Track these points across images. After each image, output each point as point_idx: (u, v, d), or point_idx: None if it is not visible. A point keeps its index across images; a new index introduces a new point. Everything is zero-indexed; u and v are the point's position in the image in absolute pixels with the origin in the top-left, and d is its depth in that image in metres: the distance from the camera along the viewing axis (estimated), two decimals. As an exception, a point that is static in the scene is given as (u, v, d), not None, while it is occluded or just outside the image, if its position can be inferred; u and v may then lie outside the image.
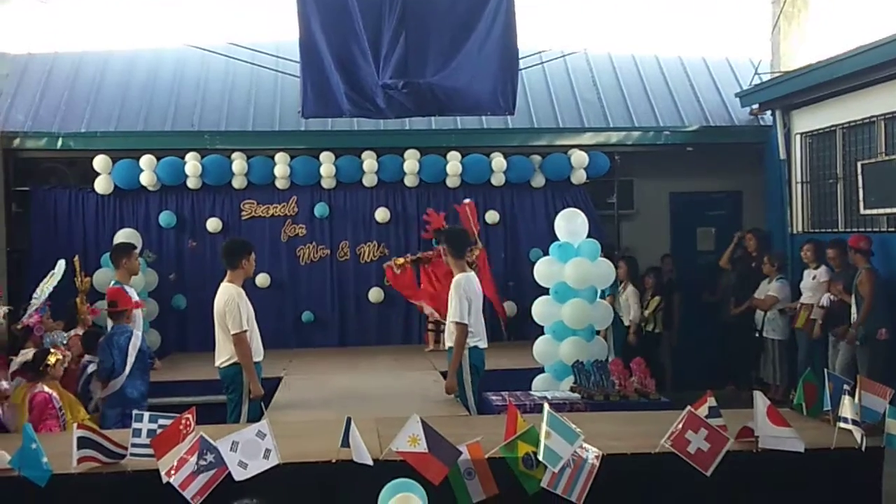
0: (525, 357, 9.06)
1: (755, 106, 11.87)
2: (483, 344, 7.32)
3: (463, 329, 7.12)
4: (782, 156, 11.22)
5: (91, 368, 7.48)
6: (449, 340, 7.35)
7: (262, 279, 11.26)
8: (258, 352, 7.16)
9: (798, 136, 11.04)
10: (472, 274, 7.46)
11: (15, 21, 12.54)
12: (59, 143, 11.32)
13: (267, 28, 12.47)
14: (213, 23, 13.32)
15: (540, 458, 4.49)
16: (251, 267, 7.31)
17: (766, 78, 11.45)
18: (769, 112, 11.67)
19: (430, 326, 11.03)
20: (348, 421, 4.57)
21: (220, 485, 4.36)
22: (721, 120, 12.42)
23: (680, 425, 4.72)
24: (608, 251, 10.05)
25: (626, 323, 10.69)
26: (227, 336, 6.96)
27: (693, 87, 12.98)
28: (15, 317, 8.25)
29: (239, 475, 4.36)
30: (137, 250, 8.86)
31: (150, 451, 4.48)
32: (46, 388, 6.50)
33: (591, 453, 4.64)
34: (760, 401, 4.87)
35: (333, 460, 4.63)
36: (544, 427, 4.55)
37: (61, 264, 8.59)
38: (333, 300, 11.81)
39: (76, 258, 9.15)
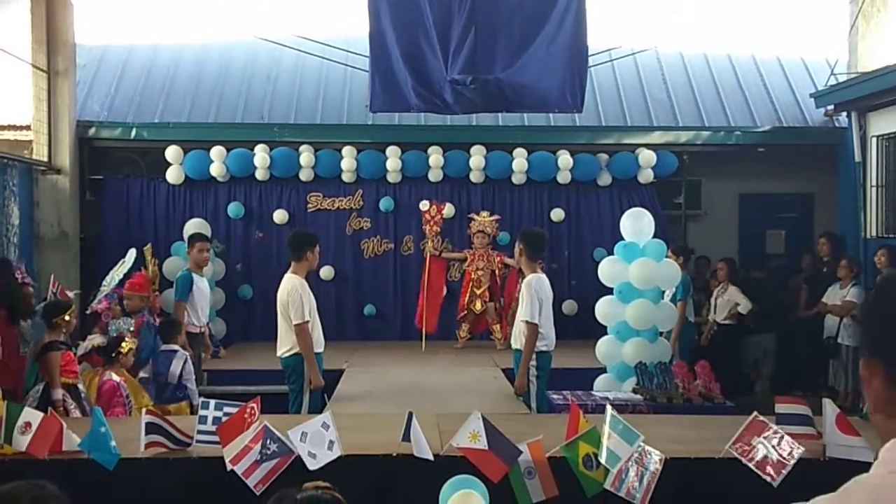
0: (587, 356, 8.99)
1: (830, 107, 11.61)
2: (549, 347, 7.25)
3: (534, 329, 7.07)
4: (857, 158, 10.94)
5: (180, 357, 7.47)
6: (516, 342, 7.30)
7: (327, 272, 11.36)
8: (319, 343, 7.22)
9: (874, 139, 10.76)
10: (544, 275, 7.40)
11: (93, 13, 12.84)
12: (133, 133, 11.56)
13: (337, 22, 12.60)
14: (284, 16, 13.50)
15: (601, 460, 4.44)
16: (315, 259, 7.37)
17: (842, 78, 11.19)
18: (844, 113, 11.40)
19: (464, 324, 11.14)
20: (410, 415, 4.57)
21: (282, 474, 4.41)
22: (794, 121, 12.19)
23: (746, 431, 4.63)
24: (684, 253, 9.96)
25: (722, 320, 10.58)
26: (289, 326, 7.04)
27: (766, 87, 12.75)
28: (85, 302, 8.44)
29: (311, 465, 4.39)
30: (211, 242, 9.06)
31: (215, 437, 4.54)
32: (115, 376, 6.65)
33: (655, 456, 4.57)
34: (830, 408, 4.75)
35: (394, 454, 4.64)
36: (606, 429, 4.50)
37: (132, 253, 8.77)
38: (396, 294, 11.85)
39: (147, 247, 9.32)
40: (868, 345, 1.50)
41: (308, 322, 7.00)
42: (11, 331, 7.25)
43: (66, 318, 6.65)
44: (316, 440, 4.46)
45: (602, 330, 8.92)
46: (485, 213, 11.26)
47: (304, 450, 4.41)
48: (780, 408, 4.87)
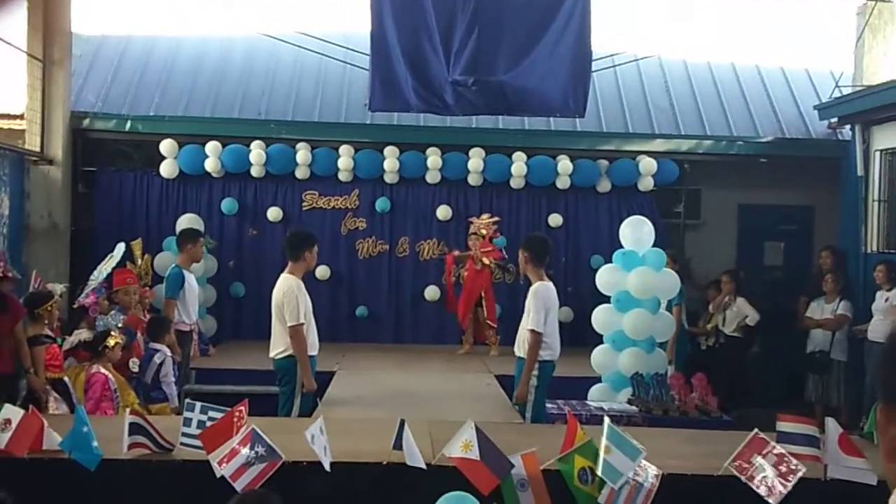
0: (582, 365, 8.86)
1: (834, 120, 11.51)
2: (553, 357, 7.07)
3: (538, 338, 6.92)
4: (860, 172, 10.83)
5: (159, 358, 7.42)
6: (519, 349, 7.13)
7: (322, 272, 11.19)
8: (314, 345, 7.08)
9: (878, 153, 10.65)
10: (550, 283, 7.25)
11: (91, 3, 12.69)
12: (128, 125, 11.40)
13: (338, 19, 12.49)
14: (285, 12, 13.37)
15: (599, 473, 4.32)
16: (313, 259, 7.22)
17: (846, 91, 11.08)
18: (848, 126, 11.30)
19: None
20: (402, 423, 4.45)
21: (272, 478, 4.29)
22: (797, 132, 12.10)
23: (746, 448, 4.51)
24: (679, 259, 9.90)
25: (731, 332, 10.56)
26: (283, 328, 6.89)
27: (770, 98, 12.66)
28: (74, 296, 8.30)
29: (327, 464, 4.35)
30: (203, 238, 8.92)
31: (199, 442, 4.42)
32: (103, 370, 6.52)
33: (651, 472, 4.45)
34: (833, 427, 4.64)
35: (385, 462, 4.53)
36: (604, 441, 4.38)
37: (121, 247, 8.65)
38: (390, 296, 11.72)
39: (136, 241, 9.18)
40: (886, 390, 1.39)
41: (303, 324, 6.85)
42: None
43: (49, 308, 6.51)
44: (319, 443, 4.36)
45: (597, 338, 8.82)
46: (485, 216, 11.11)
47: (317, 451, 4.31)
48: (782, 426, 4.73)
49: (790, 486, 4.36)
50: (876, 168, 10.69)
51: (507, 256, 10.81)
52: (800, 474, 4.39)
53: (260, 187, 11.60)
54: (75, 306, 7.91)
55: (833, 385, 10.28)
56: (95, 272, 8.16)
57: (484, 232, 10.84)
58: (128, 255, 8.96)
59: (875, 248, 10.62)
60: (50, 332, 6.68)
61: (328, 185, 11.62)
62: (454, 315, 10.97)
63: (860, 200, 10.83)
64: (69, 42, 10.96)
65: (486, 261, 10.56)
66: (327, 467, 4.33)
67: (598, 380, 8.65)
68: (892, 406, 1.37)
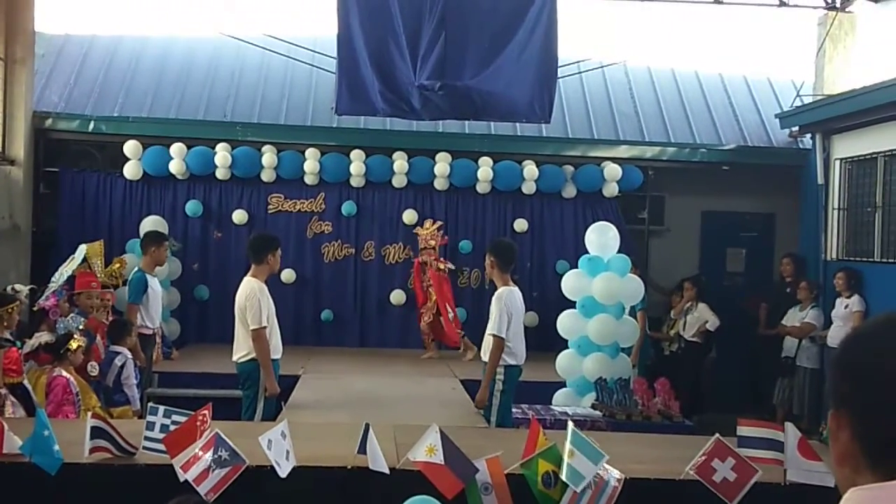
0: (547, 370, 8.91)
1: (795, 128, 11.68)
2: (518, 361, 7.09)
3: (499, 343, 6.94)
4: (820, 180, 10.98)
5: (119, 361, 7.36)
6: (485, 355, 7.16)
7: (288, 275, 11.14)
8: (277, 349, 7.07)
9: (837, 162, 10.81)
10: (516, 288, 7.27)
11: (54, 1, 12.55)
12: (91, 126, 11.28)
13: (305, 22, 12.47)
14: (251, 13, 13.32)
15: (562, 476, 4.34)
16: (277, 263, 7.20)
17: (807, 100, 11.24)
18: (809, 135, 11.47)
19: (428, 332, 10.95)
20: (366, 427, 4.45)
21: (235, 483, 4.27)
22: (759, 140, 12.25)
23: (707, 453, 4.56)
24: (641, 266, 9.97)
25: (690, 336, 10.66)
26: (246, 331, 6.87)
27: (732, 106, 12.81)
28: (35, 298, 8.20)
29: (282, 472, 4.29)
30: (168, 242, 8.84)
31: (163, 446, 4.39)
32: (64, 373, 6.45)
33: (613, 475, 4.49)
34: (792, 432, 4.70)
35: (349, 466, 4.52)
36: (568, 445, 4.41)
37: (82, 248, 8.54)
38: (355, 300, 11.69)
39: (93, 244, 9.07)
40: (836, 397, 1.42)
41: (265, 328, 6.84)
42: None
43: (9, 310, 6.42)
44: (279, 448, 4.33)
45: (562, 343, 8.87)
46: (427, 223, 11.07)
47: (273, 457, 4.28)
48: (742, 430, 4.80)
49: (747, 487, 4.43)
50: (836, 176, 10.85)
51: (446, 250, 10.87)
52: (756, 476, 4.46)
53: (225, 190, 11.53)
54: (35, 309, 7.81)
55: (796, 390, 10.42)
56: (56, 274, 8.07)
57: (433, 243, 10.82)
58: (82, 261, 8.82)
59: (835, 256, 10.78)
60: (9, 336, 6.59)
61: (294, 189, 11.57)
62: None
63: (820, 208, 10.99)
64: (32, 41, 10.83)
65: (441, 266, 10.59)
66: (282, 474, 4.29)
67: (562, 384, 8.71)
68: (841, 412, 1.40)
